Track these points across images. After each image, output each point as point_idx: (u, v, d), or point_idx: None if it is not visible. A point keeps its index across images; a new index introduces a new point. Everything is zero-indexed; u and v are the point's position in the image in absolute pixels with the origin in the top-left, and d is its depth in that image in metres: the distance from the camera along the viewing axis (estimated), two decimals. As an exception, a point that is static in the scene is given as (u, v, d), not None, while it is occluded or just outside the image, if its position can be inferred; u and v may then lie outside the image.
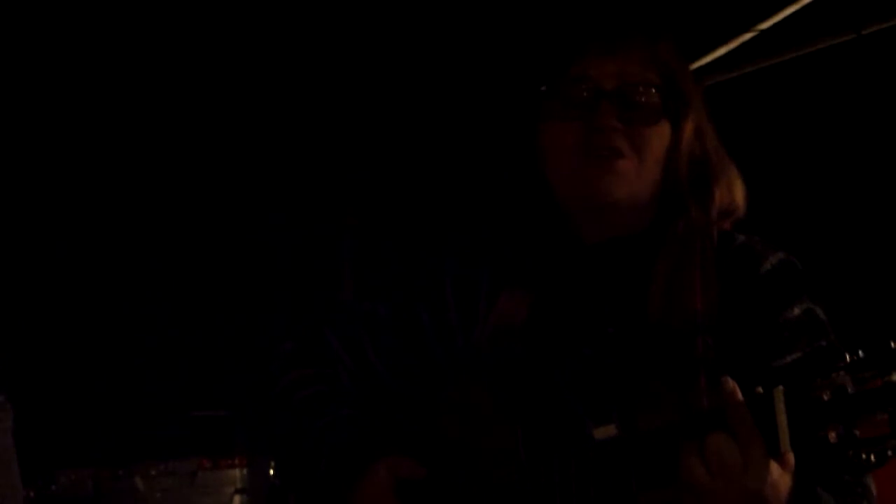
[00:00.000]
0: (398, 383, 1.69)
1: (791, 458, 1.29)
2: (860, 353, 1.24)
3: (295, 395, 1.69)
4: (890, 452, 1.24)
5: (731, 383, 1.30)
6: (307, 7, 5.51)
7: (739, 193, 1.67)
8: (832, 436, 1.24)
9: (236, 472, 11.59)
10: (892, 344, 1.21)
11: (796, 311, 1.57)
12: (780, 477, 1.30)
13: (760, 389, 1.30)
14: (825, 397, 1.24)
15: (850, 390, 1.23)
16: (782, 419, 1.26)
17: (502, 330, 1.62)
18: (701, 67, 4.68)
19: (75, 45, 5.82)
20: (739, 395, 1.30)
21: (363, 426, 1.63)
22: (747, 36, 4.62)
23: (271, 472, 11.43)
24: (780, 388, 1.27)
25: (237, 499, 11.47)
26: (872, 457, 1.24)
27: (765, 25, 4.54)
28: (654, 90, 1.60)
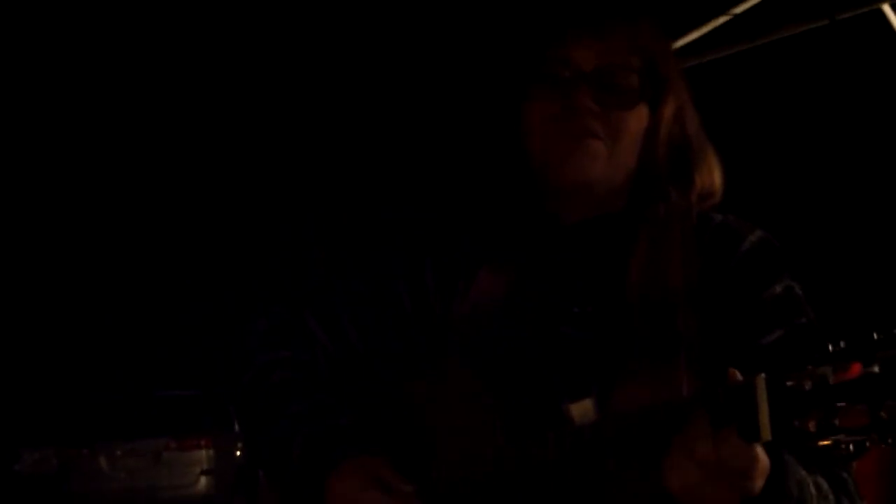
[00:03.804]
0: (377, 362, 1.68)
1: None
2: (842, 343, 1.23)
3: (269, 379, 1.67)
4: (868, 444, 1.23)
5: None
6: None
7: (718, 178, 1.67)
8: (812, 425, 1.23)
9: (202, 453, 11.53)
10: (875, 335, 1.20)
11: (777, 288, 1.57)
12: (763, 464, 1.31)
13: (741, 377, 1.30)
14: (807, 386, 1.23)
15: (831, 380, 1.22)
16: (763, 407, 1.26)
17: (481, 309, 1.61)
18: (675, 50, 4.68)
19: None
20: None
21: (338, 412, 1.62)
22: (722, 19, 4.63)
23: (238, 453, 11.40)
24: (762, 375, 1.26)
25: (203, 479, 11.43)
26: (851, 447, 1.23)
27: (739, 9, 4.55)
28: (632, 73, 1.60)
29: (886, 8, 4.38)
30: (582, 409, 1.46)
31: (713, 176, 1.65)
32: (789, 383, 1.24)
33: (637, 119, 1.60)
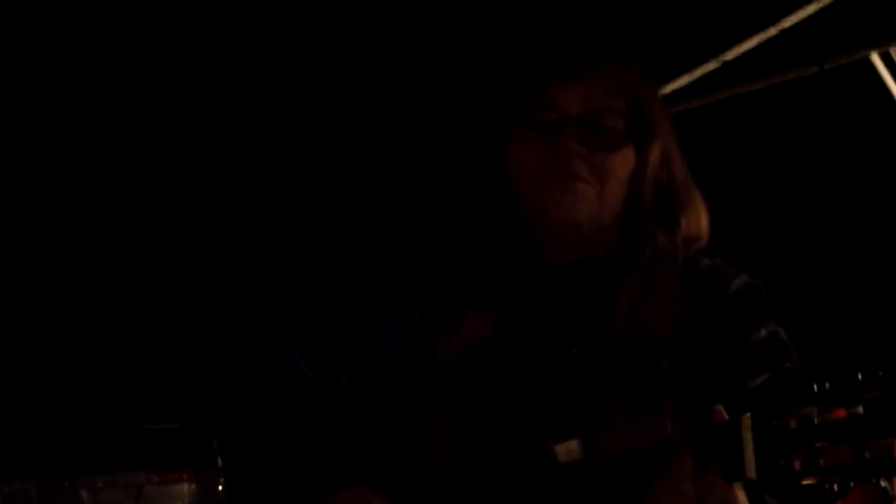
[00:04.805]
0: (362, 399, 1.68)
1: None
2: (827, 384, 1.24)
3: (256, 413, 1.67)
4: (852, 483, 1.25)
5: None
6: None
7: (705, 222, 1.69)
8: (797, 464, 1.25)
9: (184, 487, 11.43)
10: (859, 376, 1.21)
11: (763, 332, 1.59)
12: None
13: (727, 416, 1.31)
14: (792, 426, 1.24)
15: (815, 420, 1.23)
16: (749, 445, 1.27)
17: (467, 348, 1.62)
18: (665, 96, 4.72)
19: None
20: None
21: (326, 447, 1.62)
22: (711, 66, 4.67)
23: (220, 488, 11.30)
24: (748, 414, 1.28)
25: (184, 514, 11.33)
26: (835, 486, 1.25)
27: (729, 56, 4.59)
28: (618, 116, 1.61)
29: (875, 57, 4.43)
30: (567, 450, 1.47)
31: (699, 220, 1.66)
32: (775, 422, 1.25)
33: (623, 162, 1.61)
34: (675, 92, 4.84)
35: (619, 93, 1.62)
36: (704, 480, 1.30)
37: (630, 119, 1.61)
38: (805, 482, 1.25)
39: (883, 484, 1.19)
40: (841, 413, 1.22)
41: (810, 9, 4.36)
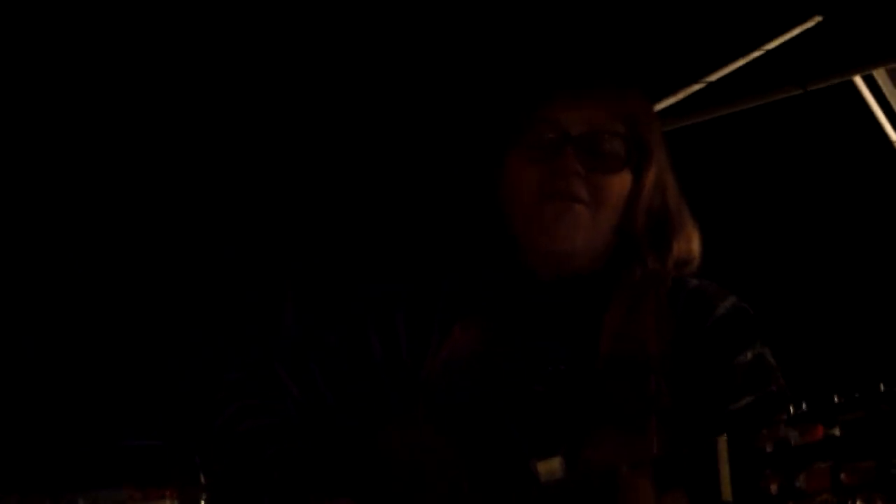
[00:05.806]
0: (346, 414, 1.68)
1: None
2: (804, 405, 1.25)
3: (239, 427, 1.67)
4: (829, 506, 1.25)
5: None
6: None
7: (696, 246, 1.71)
8: (773, 487, 1.25)
9: (166, 504, 11.42)
10: (836, 398, 1.22)
11: (748, 355, 1.60)
12: None
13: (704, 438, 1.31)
14: (768, 448, 1.25)
15: (792, 442, 1.24)
16: (724, 468, 1.27)
17: (454, 364, 1.62)
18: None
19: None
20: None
21: (309, 461, 1.62)
22: (695, 87, 4.69)
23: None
24: (724, 437, 1.28)
25: (165, 531, 11.27)
26: (812, 509, 1.25)
27: (713, 77, 4.61)
28: (618, 139, 1.63)
29: (858, 79, 4.46)
30: (549, 468, 1.47)
31: (691, 244, 1.68)
32: (751, 445, 1.25)
33: (620, 184, 1.63)
34: (659, 112, 4.85)
35: (619, 115, 1.64)
36: (668, 501, 1.30)
37: (629, 142, 1.63)
38: (781, 505, 1.25)
39: (860, 506, 1.19)
40: (820, 429, 1.23)
41: (794, 32, 4.38)
